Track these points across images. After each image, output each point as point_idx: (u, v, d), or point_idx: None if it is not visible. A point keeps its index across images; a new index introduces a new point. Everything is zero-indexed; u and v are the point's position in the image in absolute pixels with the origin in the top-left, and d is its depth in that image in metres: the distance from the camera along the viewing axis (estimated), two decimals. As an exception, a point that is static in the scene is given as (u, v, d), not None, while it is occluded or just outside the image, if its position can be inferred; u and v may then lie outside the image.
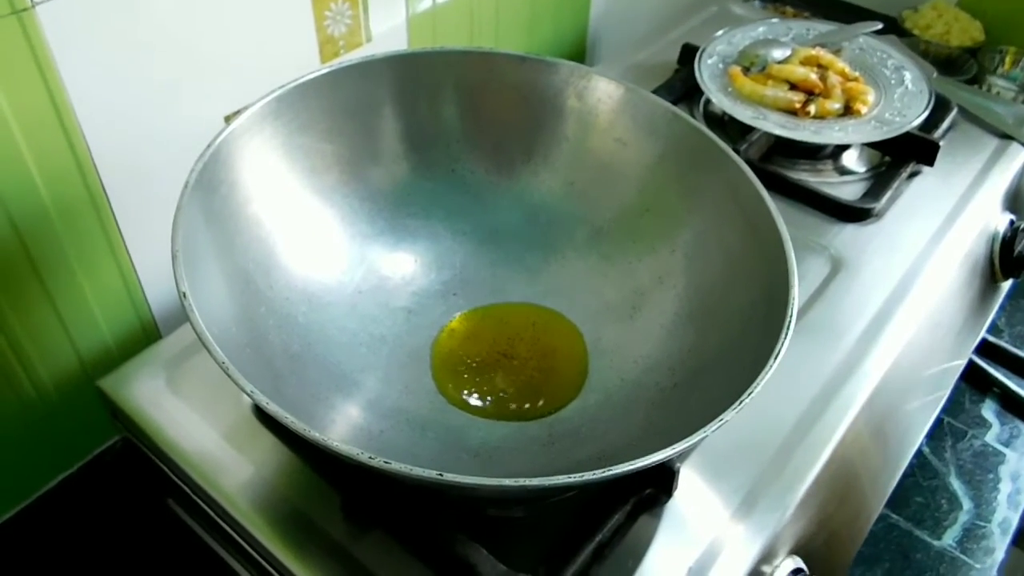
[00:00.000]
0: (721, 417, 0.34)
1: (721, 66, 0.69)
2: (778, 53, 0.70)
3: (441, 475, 0.31)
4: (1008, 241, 0.65)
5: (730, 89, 0.67)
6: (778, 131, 0.62)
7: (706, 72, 0.68)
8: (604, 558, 0.40)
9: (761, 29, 0.73)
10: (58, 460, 0.55)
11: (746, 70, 0.68)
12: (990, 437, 0.63)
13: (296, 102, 0.46)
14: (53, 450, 0.54)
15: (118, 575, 0.51)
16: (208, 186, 0.41)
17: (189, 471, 0.44)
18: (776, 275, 0.41)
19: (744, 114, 0.64)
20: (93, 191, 0.48)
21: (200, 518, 0.46)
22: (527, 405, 0.47)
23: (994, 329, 0.70)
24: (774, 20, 0.75)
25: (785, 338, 0.37)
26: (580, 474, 0.31)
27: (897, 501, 0.57)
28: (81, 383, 0.52)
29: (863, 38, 0.73)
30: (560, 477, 0.31)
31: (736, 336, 0.43)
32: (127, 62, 0.46)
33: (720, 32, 0.73)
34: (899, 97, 0.66)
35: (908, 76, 0.69)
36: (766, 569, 0.43)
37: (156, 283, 0.54)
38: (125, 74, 0.47)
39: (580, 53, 0.86)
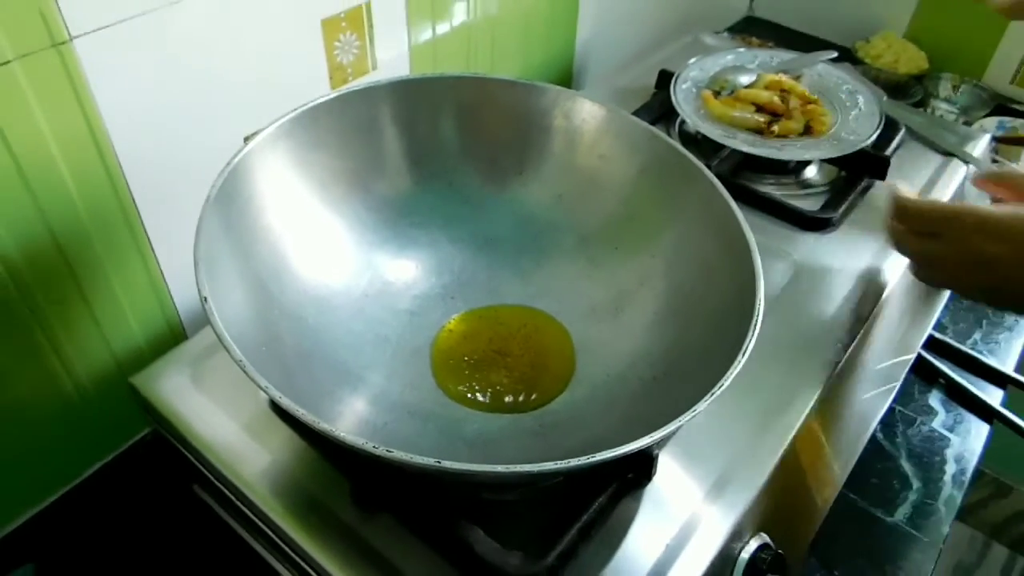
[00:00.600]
0: (694, 408, 0.33)
1: (694, 90, 0.69)
2: (745, 79, 0.69)
3: (440, 463, 0.30)
4: (952, 247, 0.64)
5: (702, 111, 0.66)
6: (746, 148, 0.62)
7: (681, 95, 0.67)
8: (590, 536, 0.40)
9: (730, 57, 0.73)
10: (95, 450, 0.54)
11: (717, 94, 0.68)
12: (936, 423, 0.62)
13: (308, 124, 0.45)
14: (91, 441, 0.53)
15: (148, 553, 0.50)
16: (227, 199, 0.40)
17: (212, 460, 0.43)
18: (745, 279, 0.40)
19: (715, 133, 0.63)
20: (125, 205, 0.47)
21: (222, 502, 0.45)
22: (520, 399, 0.46)
23: (939, 326, 0.69)
24: (741, 49, 0.75)
25: (752, 336, 0.36)
26: (567, 461, 0.31)
27: (854, 482, 0.56)
28: (115, 380, 0.52)
29: (821, 65, 0.73)
30: (549, 464, 0.31)
31: (710, 334, 0.42)
32: (156, 89, 0.46)
33: (693, 60, 0.72)
34: (854, 118, 0.66)
35: (861, 100, 0.68)
36: (736, 544, 0.42)
37: (182, 288, 0.53)
38: (154, 100, 0.46)
39: (567, 78, 0.86)
